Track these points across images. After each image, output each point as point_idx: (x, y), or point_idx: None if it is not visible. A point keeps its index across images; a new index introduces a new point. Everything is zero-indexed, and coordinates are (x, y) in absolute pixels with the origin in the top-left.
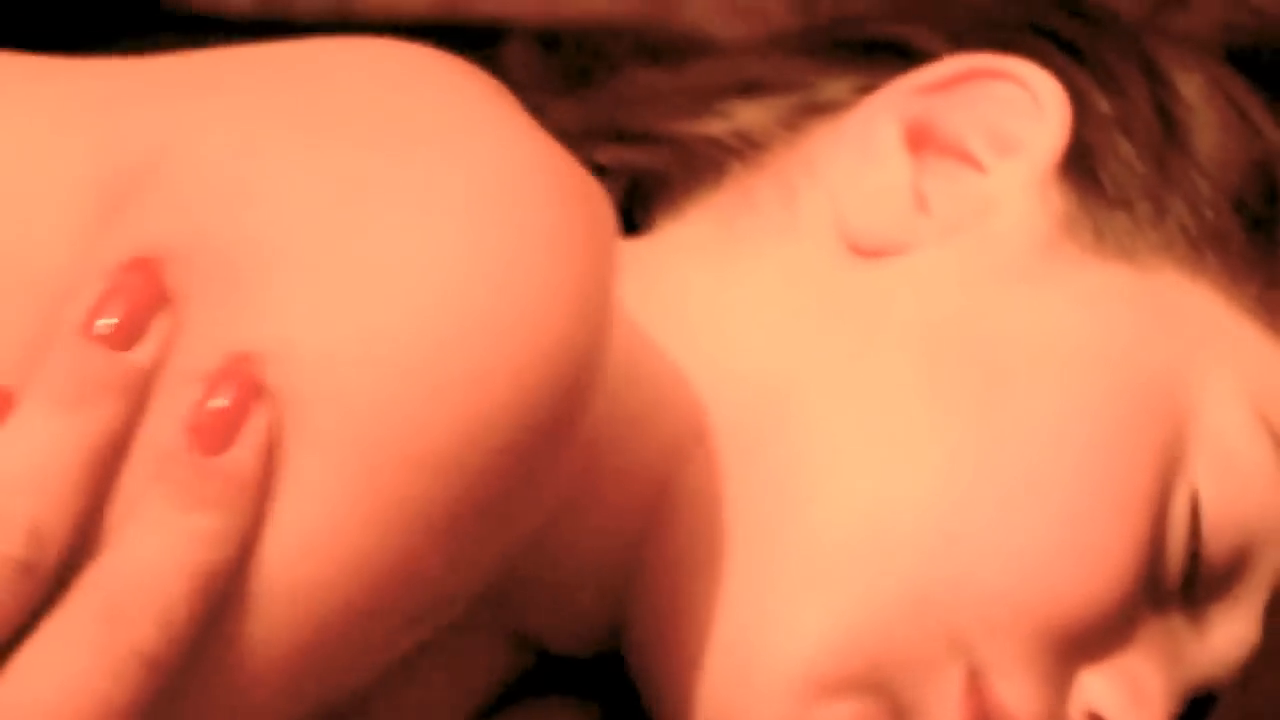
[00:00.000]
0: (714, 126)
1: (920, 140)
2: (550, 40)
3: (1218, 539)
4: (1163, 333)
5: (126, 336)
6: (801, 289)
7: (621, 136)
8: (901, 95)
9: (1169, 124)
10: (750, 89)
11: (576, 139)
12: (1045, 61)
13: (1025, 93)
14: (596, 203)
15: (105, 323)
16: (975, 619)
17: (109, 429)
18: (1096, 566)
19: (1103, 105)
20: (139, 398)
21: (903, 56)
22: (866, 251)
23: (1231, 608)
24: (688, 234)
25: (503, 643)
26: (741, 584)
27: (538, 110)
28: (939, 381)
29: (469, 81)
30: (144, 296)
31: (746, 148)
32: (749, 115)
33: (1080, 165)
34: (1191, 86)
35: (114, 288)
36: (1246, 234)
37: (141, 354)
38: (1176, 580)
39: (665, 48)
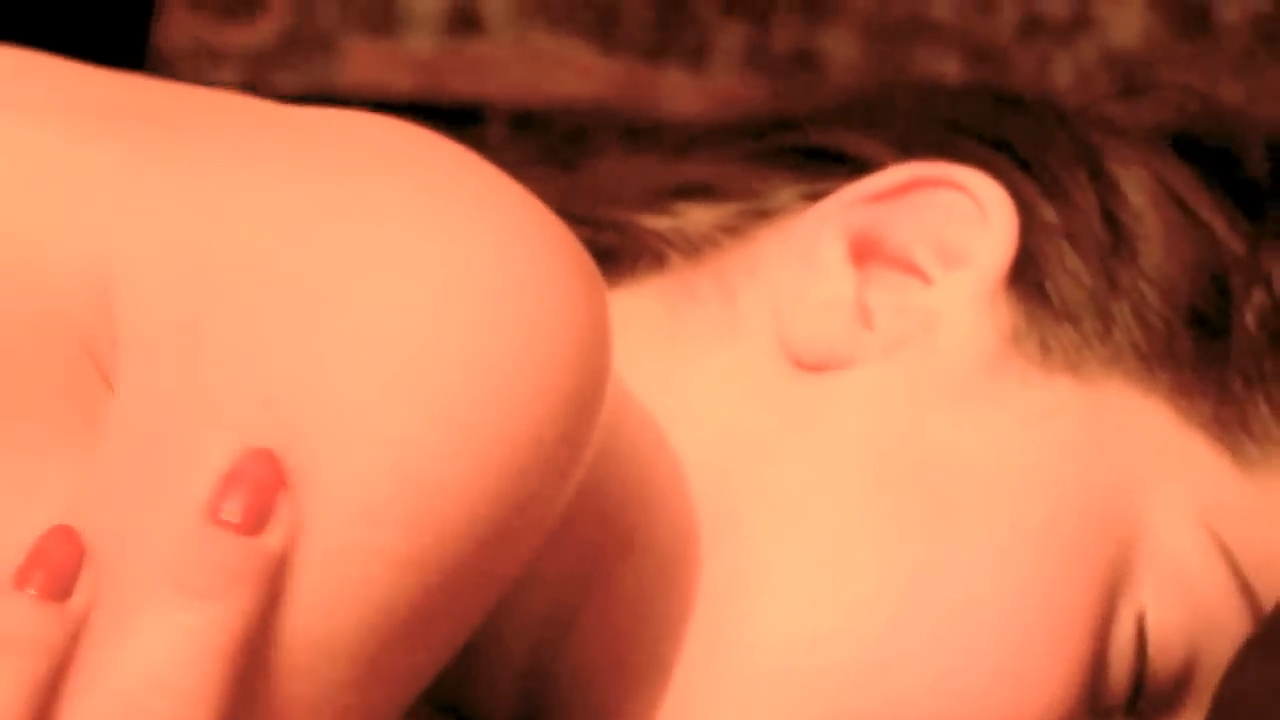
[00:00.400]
0: (659, 222)
1: (865, 252)
2: (526, 121)
3: (1165, 658)
4: (1110, 450)
5: (256, 522)
6: (743, 396)
7: (571, 217)
8: (846, 205)
9: (1116, 232)
10: (696, 192)
11: None
12: (991, 168)
13: (972, 202)
14: (589, 264)
15: (232, 507)
16: None
17: (248, 618)
18: (1032, 694)
19: (1049, 214)
20: (275, 584)
21: (847, 163)
22: (808, 365)
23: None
24: (636, 308)
25: (427, 712)
26: (666, 697)
27: None
28: (877, 504)
29: (455, 150)
30: (269, 480)
31: (688, 245)
32: (693, 216)
33: (1027, 277)
34: (1140, 190)
35: (236, 473)
36: (1197, 345)
37: (273, 539)
38: (1121, 698)
39: (638, 131)
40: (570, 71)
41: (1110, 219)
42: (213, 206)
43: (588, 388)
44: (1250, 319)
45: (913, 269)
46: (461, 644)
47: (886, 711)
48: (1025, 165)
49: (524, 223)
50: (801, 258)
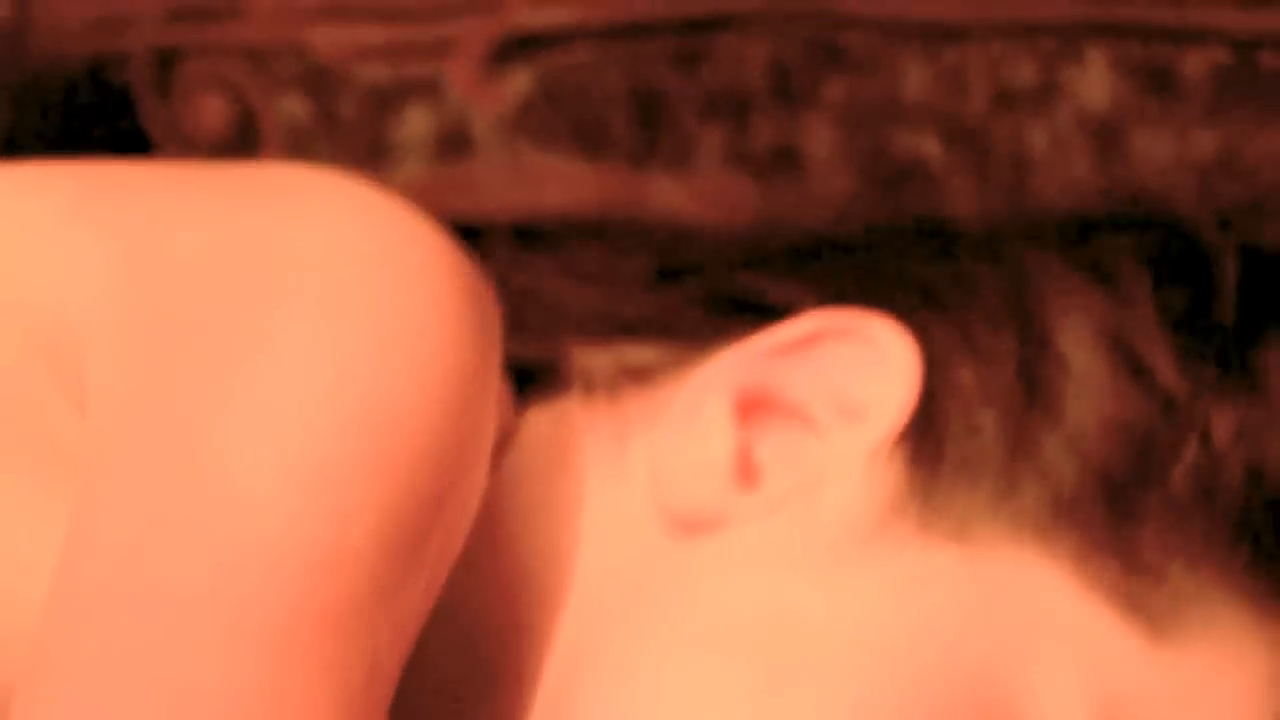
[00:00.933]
0: (592, 355)
1: (758, 406)
2: (527, 235)
3: None
4: (990, 625)
5: None
6: (613, 544)
7: (527, 332)
8: (745, 358)
9: (1034, 388)
10: (634, 329)
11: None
12: (909, 318)
13: (876, 355)
14: (486, 302)
15: None
16: None
17: None
18: None
19: (961, 369)
20: None
21: (766, 311)
22: (679, 525)
23: None
24: (542, 430)
25: None
26: None
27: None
28: (707, 670)
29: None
30: None
31: (609, 381)
32: (625, 354)
33: (926, 434)
34: (1075, 339)
35: None
36: (1112, 509)
37: None
38: None
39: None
40: (561, 183)
41: (1029, 373)
42: (153, 264)
43: (476, 353)
44: (1178, 480)
45: (810, 423)
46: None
47: None
48: (947, 314)
49: (415, 226)
50: (684, 416)
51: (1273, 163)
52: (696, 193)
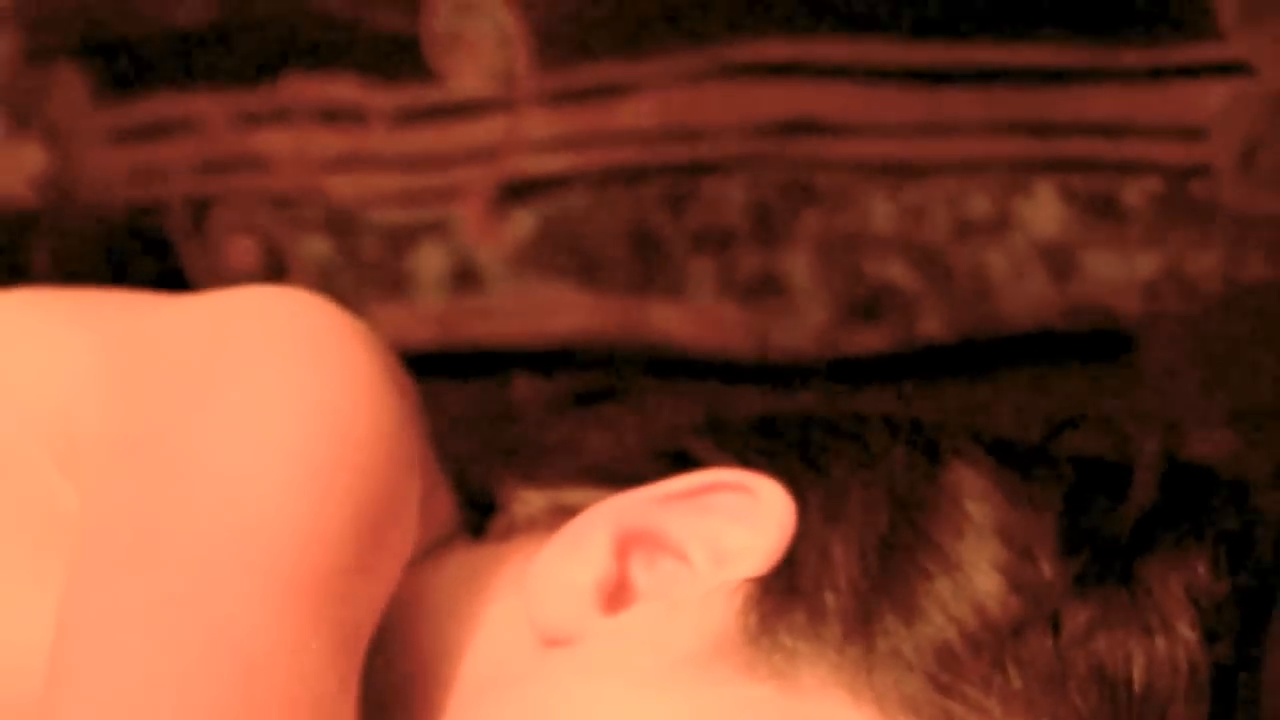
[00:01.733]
0: (534, 498)
1: (645, 541)
2: (551, 363)
3: None
4: None
5: None
6: (501, 648)
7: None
8: (640, 500)
9: (893, 570)
10: (588, 475)
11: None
12: (798, 483)
13: (755, 510)
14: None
15: None
16: None
17: None
18: None
19: (832, 538)
20: None
21: (690, 465)
22: (544, 637)
23: None
24: (475, 559)
25: None
26: None
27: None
28: None
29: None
30: None
31: (525, 521)
32: (538, 500)
33: (781, 585)
34: (956, 534)
35: None
36: (935, 681)
37: None
38: None
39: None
40: (566, 311)
41: (892, 554)
42: (130, 346)
43: (402, 398)
44: (1014, 659)
45: (687, 562)
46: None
47: None
48: (832, 485)
49: (341, 357)
50: (568, 542)
51: (1208, 277)
52: (690, 318)
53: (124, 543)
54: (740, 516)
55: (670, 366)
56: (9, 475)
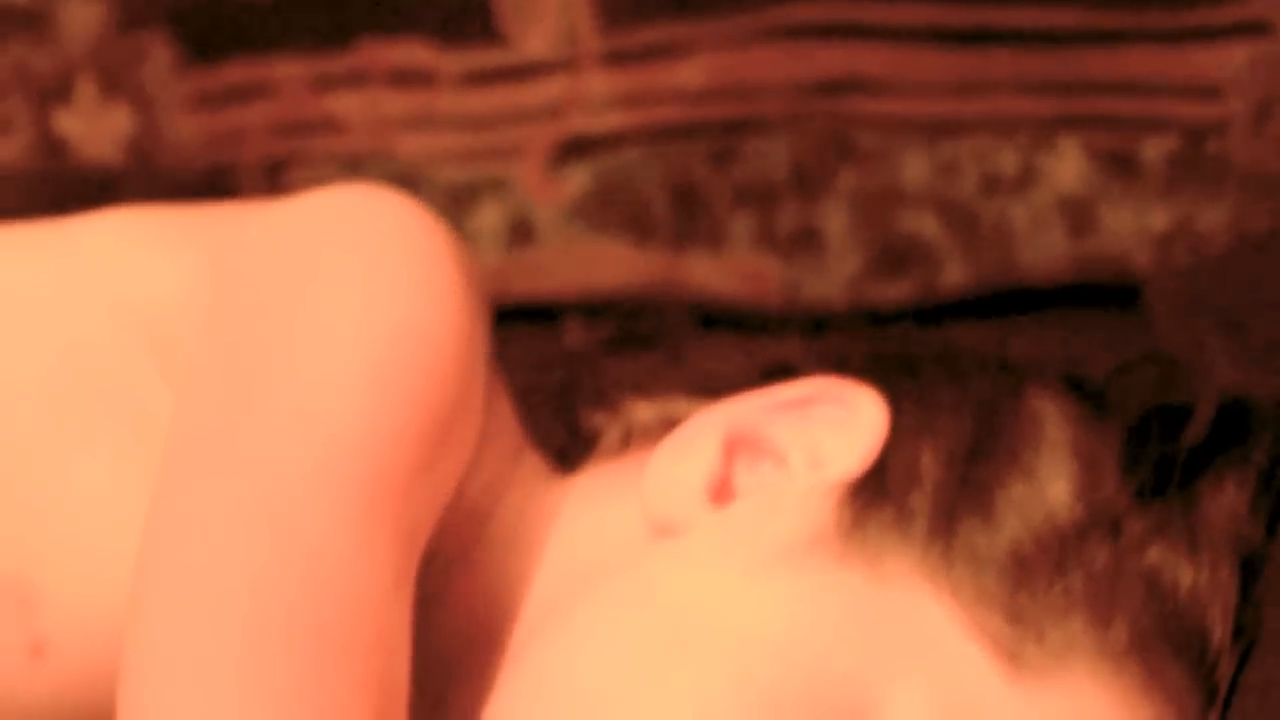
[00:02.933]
0: (645, 410)
1: (744, 444)
2: (596, 312)
3: None
4: (870, 637)
5: None
6: (608, 541)
7: (602, 402)
8: (748, 407)
9: (975, 479)
10: (693, 389)
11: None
12: (893, 394)
13: (852, 419)
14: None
15: None
16: None
17: None
18: None
19: (921, 447)
20: None
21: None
22: (656, 526)
23: None
24: (593, 474)
25: None
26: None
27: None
28: (632, 639)
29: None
30: None
31: (640, 431)
32: (649, 412)
33: (872, 486)
34: (1033, 447)
35: None
36: (1010, 578)
37: None
38: None
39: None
40: (613, 265)
41: (975, 463)
42: (226, 243)
43: (465, 330)
44: (1077, 565)
45: (785, 465)
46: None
47: None
48: (925, 397)
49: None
50: (682, 440)
51: (1219, 232)
52: (730, 270)
53: (203, 449)
54: (838, 426)
55: (709, 317)
56: (115, 375)
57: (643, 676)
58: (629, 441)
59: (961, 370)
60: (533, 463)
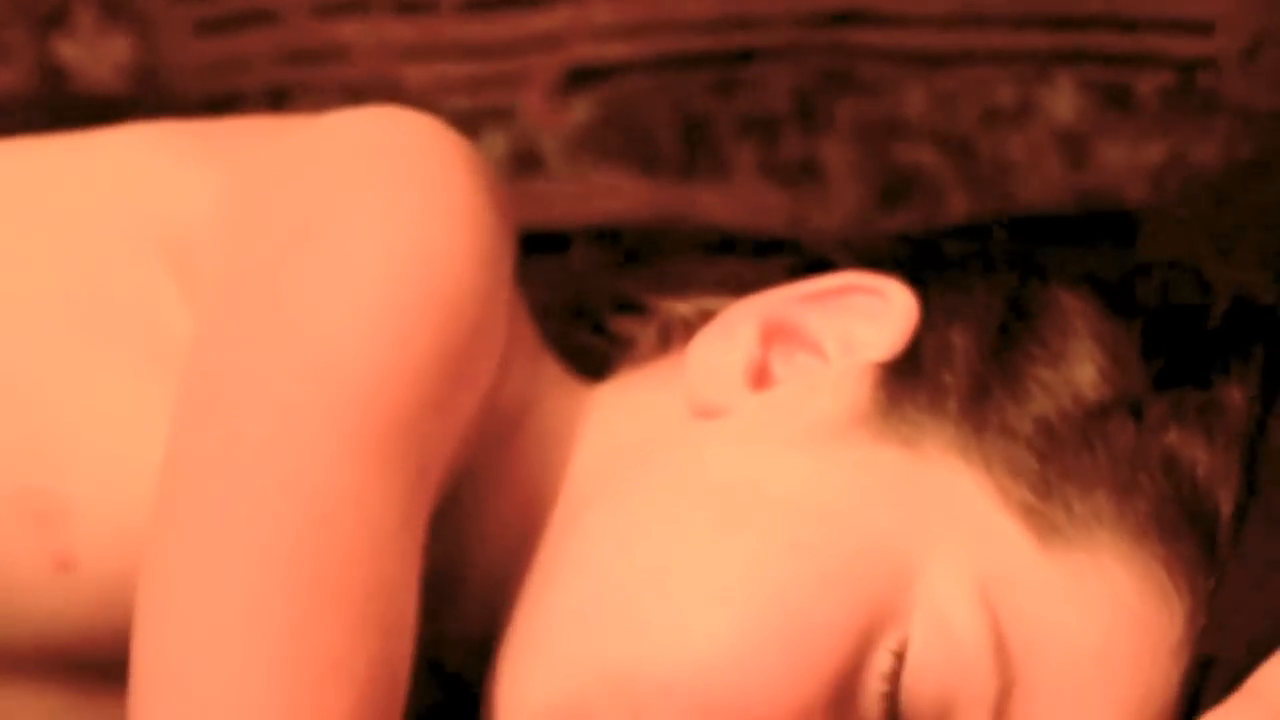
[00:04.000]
0: (683, 306)
1: (780, 333)
2: (606, 237)
3: (919, 687)
4: (908, 510)
5: None
6: (648, 420)
7: (626, 307)
8: (784, 297)
9: (1007, 359)
10: (723, 287)
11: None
12: (923, 284)
13: (884, 307)
14: (490, 199)
15: None
16: (655, 704)
17: None
18: (766, 683)
19: (952, 332)
20: None
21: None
22: (696, 411)
23: None
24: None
25: (421, 677)
26: (521, 625)
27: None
28: (673, 508)
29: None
30: None
31: (679, 324)
32: (685, 308)
33: (907, 369)
34: (1061, 331)
35: None
36: (1039, 452)
37: None
38: (877, 715)
39: (688, 242)
40: (618, 195)
41: (1006, 345)
42: (246, 166)
43: (498, 222)
44: (1103, 442)
45: (821, 353)
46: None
47: (639, 673)
48: (954, 286)
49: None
50: (721, 328)
51: (1209, 164)
52: (734, 200)
53: (216, 382)
54: (870, 314)
55: (713, 246)
56: (135, 294)
57: (692, 545)
58: (668, 340)
59: (991, 263)
60: (554, 372)
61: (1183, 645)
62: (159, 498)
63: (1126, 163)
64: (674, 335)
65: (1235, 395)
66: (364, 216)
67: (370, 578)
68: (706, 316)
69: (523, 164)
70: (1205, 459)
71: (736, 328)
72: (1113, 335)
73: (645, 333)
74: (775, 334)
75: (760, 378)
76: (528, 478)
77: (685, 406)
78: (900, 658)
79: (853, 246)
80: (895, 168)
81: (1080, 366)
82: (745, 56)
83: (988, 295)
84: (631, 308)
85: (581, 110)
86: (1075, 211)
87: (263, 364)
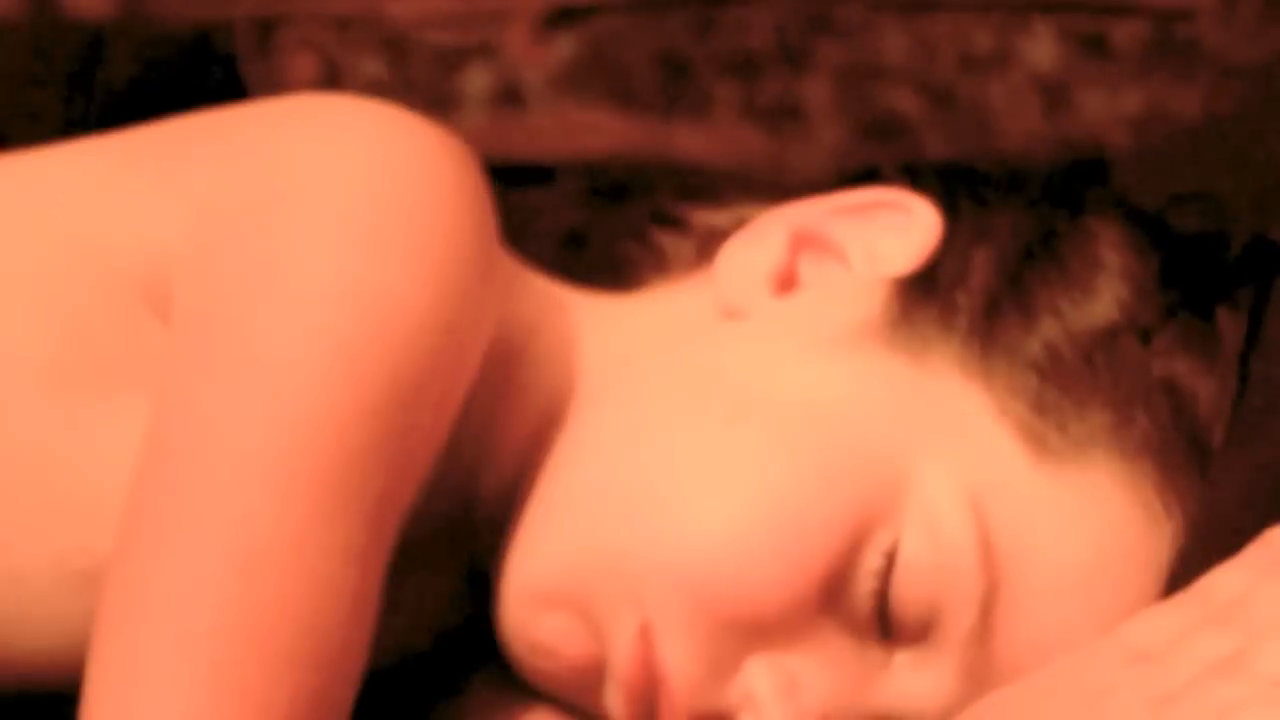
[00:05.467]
0: (717, 216)
1: (810, 241)
2: (593, 173)
3: (908, 587)
4: (909, 414)
5: None
6: (675, 319)
7: (663, 220)
8: (815, 208)
9: (1024, 284)
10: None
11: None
12: (951, 203)
13: (909, 222)
14: (473, 166)
15: None
16: (651, 585)
17: None
18: (760, 573)
19: (974, 251)
20: None
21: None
22: (723, 311)
23: (922, 658)
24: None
25: (459, 583)
26: (531, 510)
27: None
28: (684, 401)
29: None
30: None
31: (726, 235)
32: (724, 216)
33: (924, 284)
34: (1082, 260)
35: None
36: (1040, 371)
37: None
38: (867, 612)
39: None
40: (599, 132)
41: (1025, 271)
42: (209, 190)
43: (473, 228)
44: (1105, 362)
45: (846, 262)
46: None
47: (639, 554)
48: (982, 208)
49: (415, 130)
50: (753, 233)
51: (1188, 114)
52: (714, 140)
53: (167, 423)
54: (896, 228)
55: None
56: (127, 339)
57: (700, 438)
58: (707, 252)
59: (1027, 187)
60: (556, 294)
61: (1165, 565)
62: (115, 543)
63: (1106, 111)
64: (712, 248)
65: (1238, 329)
66: (316, 258)
67: (302, 616)
68: (743, 224)
69: (505, 99)
70: (1207, 389)
71: (768, 233)
72: (1140, 266)
73: (681, 246)
74: (805, 241)
75: (786, 282)
76: (539, 391)
77: (713, 308)
78: (891, 558)
79: (900, 166)
80: (875, 111)
81: (1098, 296)
82: None
83: (1018, 222)
84: (669, 221)
85: (564, 48)
86: (1053, 158)
87: (210, 406)
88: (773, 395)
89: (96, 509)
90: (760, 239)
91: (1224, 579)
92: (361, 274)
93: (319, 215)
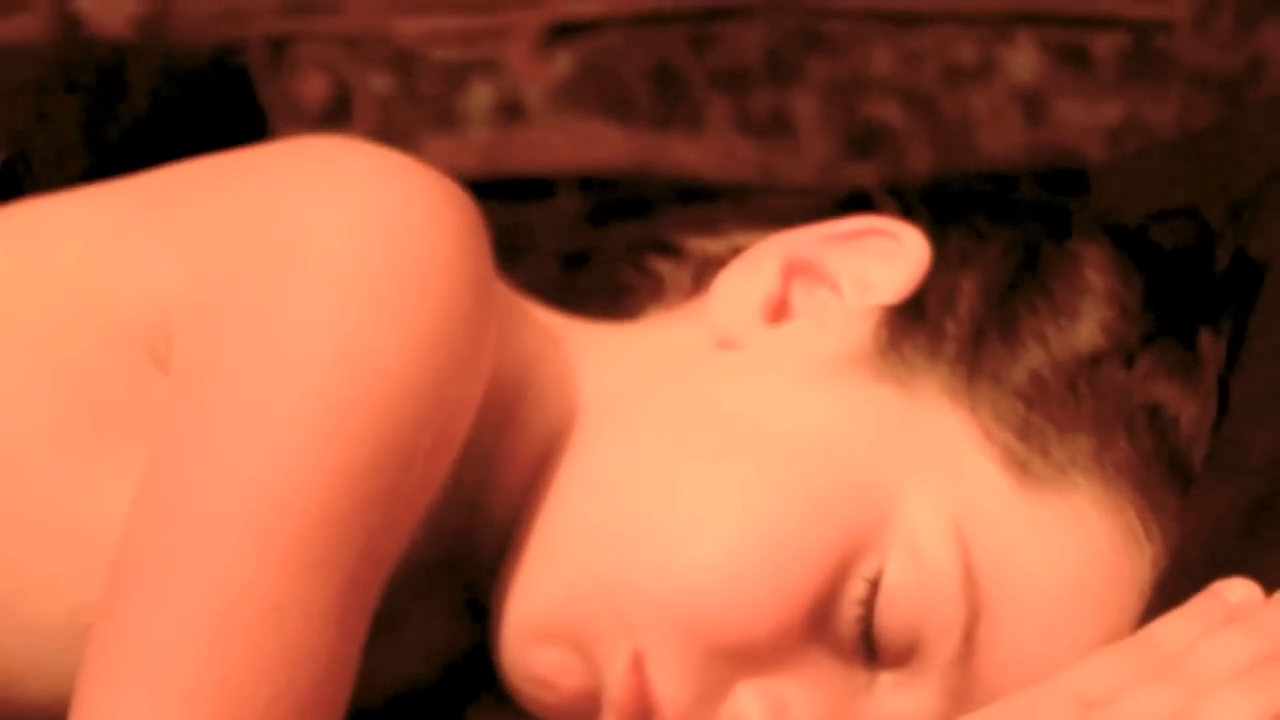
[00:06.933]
0: (715, 244)
1: (802, 270)
2: (589, 186)
3: (892, 613)
4: (894, 448)
5: None
6: (672, 353)
7: (661, 248)
8: (807, 236)
9: (1009, 313)
10: (749, 221)
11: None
12: (941, 231)
13: (899, 251)
14: (472, 219)
15: None
16: (642, 615)
17: None
18: (748, 603)
19: (962, 280)
20: None
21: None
22: (718, 341)
23: (907, 680)
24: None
25: (460, 614)
26: (528, 544)
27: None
28: (674, 435)
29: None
30: None
31: (722, 263)
32: (718, 245)
33: (912, 312)
34: (1068, 286)
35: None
36: (1025, 400)
37: None
38: (852, 637)
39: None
40: (598, 145)
41: (1011, 299)
42: (209, 246)
43: (468, 287)
44: (1089, 387)
45: (838, 290)
46: (435, 491)
47: (630, 586)
48: (971, 236)
49: (414, 183)
50: (747, 264)
51: (1165, 125)
52: (707, 151)
53: (156, 484)
54: (885, 256)
55: (689, 194)
56: (135, 396)
57: (692, 471)
58: (703, 281)
59: (1014, 211)
60: (553, 326)
61: (1148, 588)
62: (105, 584)
63: (1084, 121)
64: (707, 276)
65: (1219, 352)
66: (308, 320)
67: (280, 678)
68: (738, 253)
69: (507, 113)
70: (1189, 413)
71: (761, 262)
72: (1124, 289)
73: (678, 274)
74: (797, 270)
75: (778, 312)
76: (539, 427)
77: (708, 338)
78: (875, 585)
79: (890, 189)
80: (862, 122)
81: (1083, 321)
82: (718, 14)
83: (1005, 246)
84: (667, 249)
85: (564, 63)
86: (1033, 168)
87: (196, 465)
88: (764, 427)
89: (107, 564)
90: (754, 268)
91: (1172, 629)
92: (352, 337)
93: (314, 275)
